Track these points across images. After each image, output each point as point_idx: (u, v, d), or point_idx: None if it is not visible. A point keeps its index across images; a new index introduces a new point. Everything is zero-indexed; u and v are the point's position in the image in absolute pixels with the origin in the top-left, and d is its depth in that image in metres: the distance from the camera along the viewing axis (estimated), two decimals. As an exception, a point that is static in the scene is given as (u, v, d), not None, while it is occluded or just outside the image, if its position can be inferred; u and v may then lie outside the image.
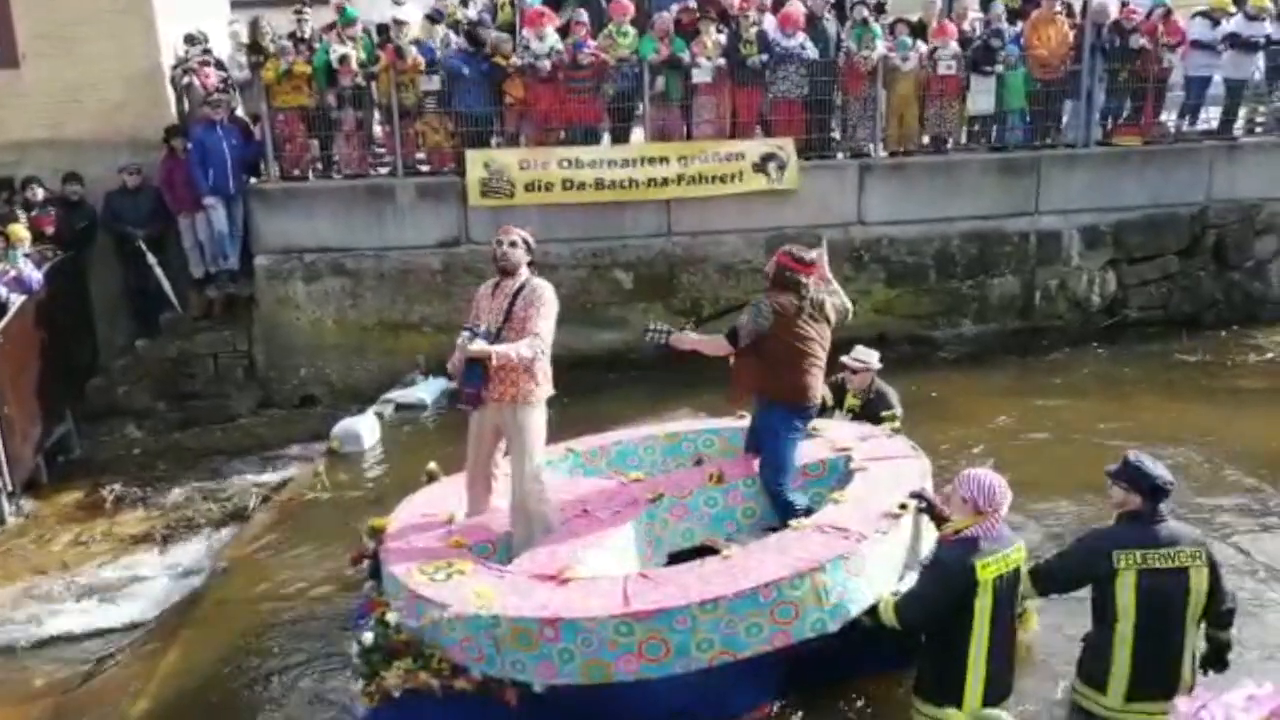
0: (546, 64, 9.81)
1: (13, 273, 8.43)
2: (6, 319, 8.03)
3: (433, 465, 6.00)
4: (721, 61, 10.15)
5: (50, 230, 9.27)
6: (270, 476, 8.43)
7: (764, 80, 10.27)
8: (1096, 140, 11.03)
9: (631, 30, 10.38)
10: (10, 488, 7.86)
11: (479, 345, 4.90)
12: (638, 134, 10.50)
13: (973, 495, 4.27)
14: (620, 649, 4.32)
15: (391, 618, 4.72)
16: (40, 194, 9.46)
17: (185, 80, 10.08)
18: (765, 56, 10.15)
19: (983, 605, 4.21)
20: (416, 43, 10.17)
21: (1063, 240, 10.87)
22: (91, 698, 5.71)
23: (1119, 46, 10.68)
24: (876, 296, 10.67)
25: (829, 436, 6.06)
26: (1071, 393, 9.25)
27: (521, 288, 5.15)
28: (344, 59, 9.77)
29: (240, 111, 10.26)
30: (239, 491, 8.11)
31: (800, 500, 5.47)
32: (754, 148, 10.25)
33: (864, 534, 4.74)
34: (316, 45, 10.11)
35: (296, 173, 10.08)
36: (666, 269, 10.36)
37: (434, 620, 4.54)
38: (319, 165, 10.21)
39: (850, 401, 6.73)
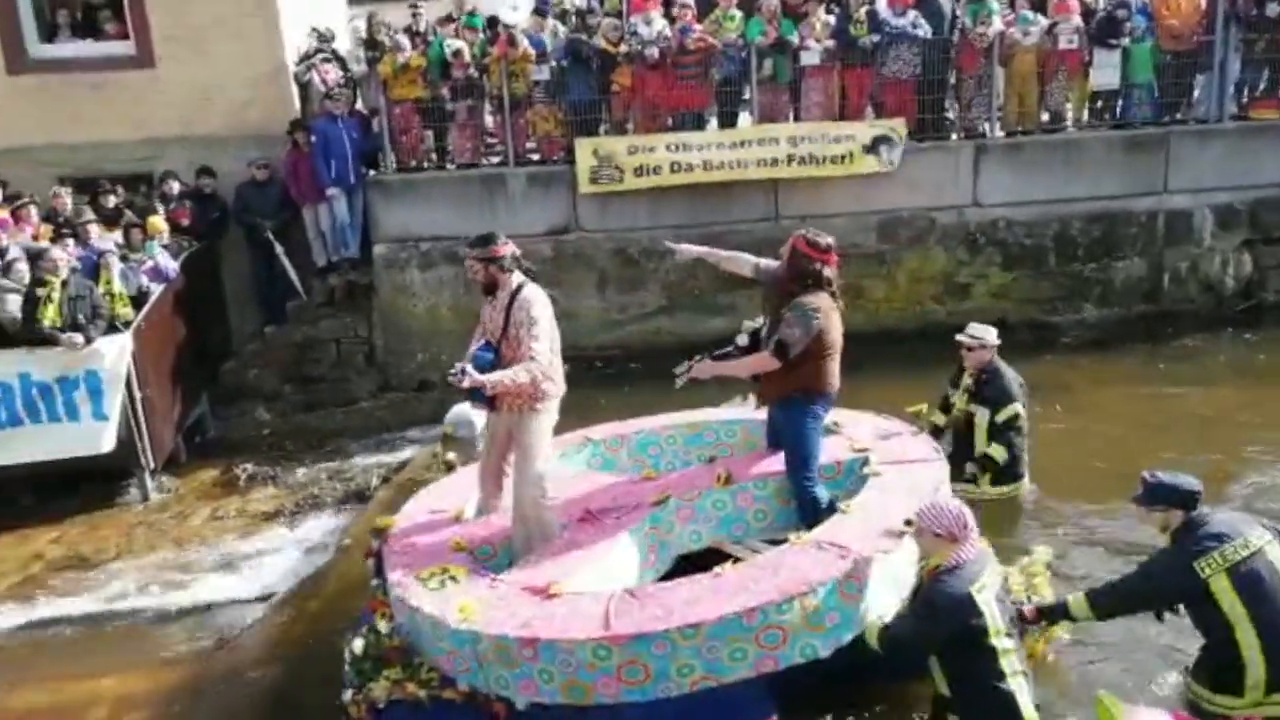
0: (654, 50, 9.83)
1: (150, 263, 8.92)
2: (147, 308, 8.49)
3: (451, 456, 6.03)
4: (830, 43, 10.01)
5: (185, 222, 9.75)
6: (389, 458, 8.73)
7: (874, 60, 10.09)
8: (1231, 114, 10.48)
9: (738, 13, 10.32)
10: (153, 465, 8.34)
11: (470, 378, 4.70)
12: (745, 118, 10.44)
13: (946, 527, 4.23)
14: (599, 671, 4.22)
15: (383, 626, 4.75)
16: (176, 188, 9.97)
17: (307, 77, 10.47)
18: (876, 37, 9.96)
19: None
20: (526, 34, 10.34)
21: (1194, 220, 10.37)
22: (225, 664, 6.02)
23: (1256, 15, 10.11)
24: (993, 280, 10.40)
25: (849, 434, 5.83)
26: (1203, 380, 8.85)
27: (513, 300, 5.00)
28: (457, 52, 10.00)
29: (359, 105, 10.61)
30: (360, 472, 8.42)
31: (824, 495, 5.29)
32: (864, 129, 10.08)
33: (863, 554, 4.47)
34: (431, 39, 10.37)
35: (413, 163, 10.37)
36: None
37: (421, 629, 4.56)
38: (433, 156, 10.50)
39: (966, 381, 6.57)
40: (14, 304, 7.96)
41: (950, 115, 10.58)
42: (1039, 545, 5.61)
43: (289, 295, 10.36)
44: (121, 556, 7.46)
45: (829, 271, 5.24)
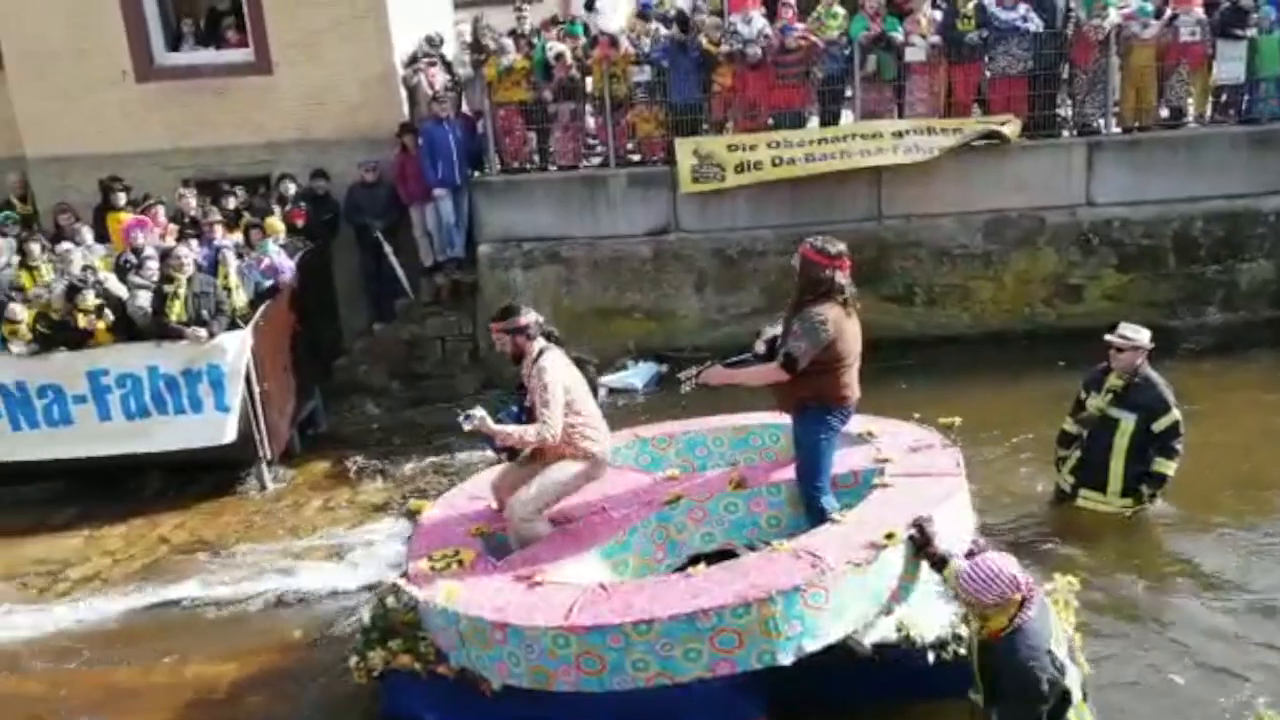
0: (756, 50, 9.80)
1: (266, 261, 9.27)
2: (265, 305, 8.83)
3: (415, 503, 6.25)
4: (936, 39, 9.82)
5: (300, 223, 10.11)
6: (493, 454, 8.88)
7: (982, 56, 9.86)
8: (1367, 108, 9.93)
9: (841, 11, 10.21)
10: (270, 457, 8.67)
11: (472, 423, 4.99)
12: (847, 117, 10.32)
13: (1002, 591, 3.88)
14: (559, 660, 4.42)
15: (390, 600, 5.08)
16: (293, 190, 10.33)
17: (415, 80, 10.73)
18: (984, 32, 9.73)
19: None
20: (625, 35, 10.42)
21: (1326, 220, 9.87)
22: (334, 651, 6.15)
23: (1398, 1, 9.56)
24: (1107, 282, 10.07)
25: (880, 444, 5.73)
26: (1335, 388, 8.41)
27: (534, 366, 5.20)
28: (560, 55, 10.13)
29: (465, 108, 10.84)
30: (465, 466, 8.59)
31: (832, 504, 5.24)
32: (971, 127, 9.86)
33: (835, 565, 4.47)
34: (535, 41, 10.53)
35: (516, 165, 10.55)
36: (877, 253, 10.15)
37: (424, 607, 4.87)
38: (535, 157, 10.66)
39: (1113, 382, 6.33)
40: (144, 299, 8.38)
41: (1062, 112, 10.26)
42: (1064, 575, 5.23)
43: (397, 294, 10.64)
44: (241, 543, 7.78)
45: (841, 278, 5.14)
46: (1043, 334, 9.94)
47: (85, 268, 8.60)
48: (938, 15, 9.93)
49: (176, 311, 8.25)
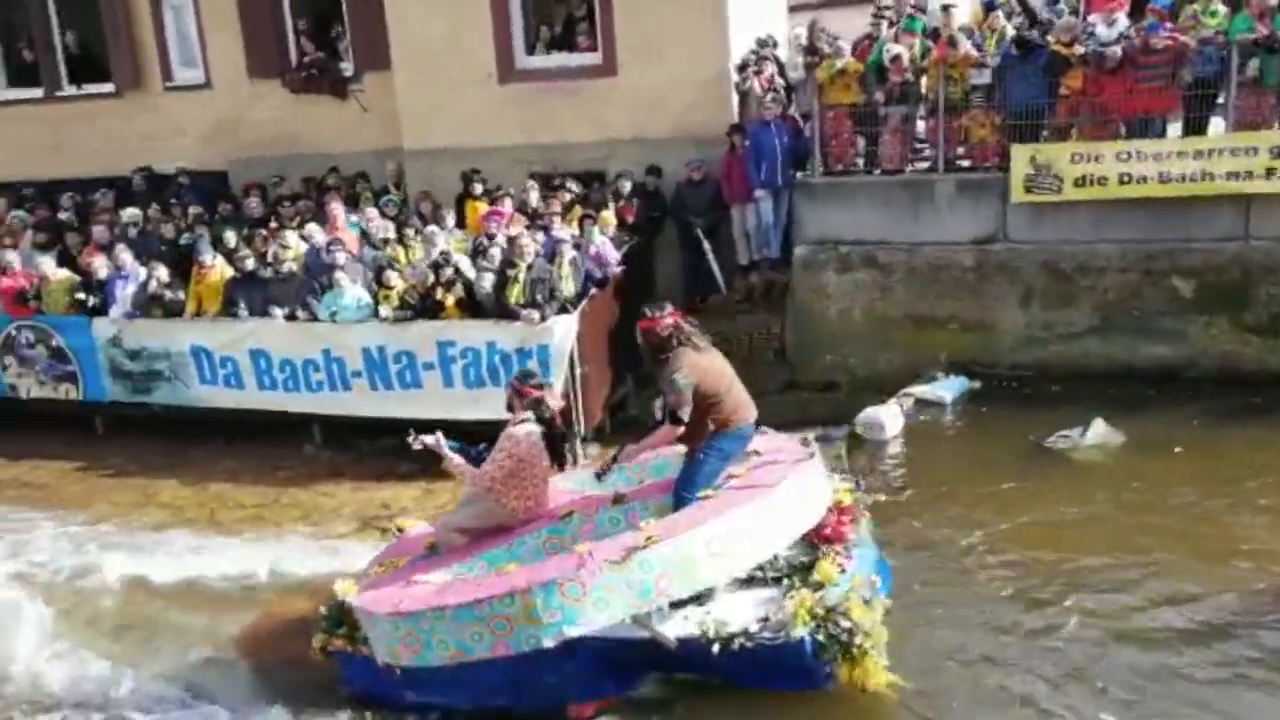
0: (1116, 51, 9.05)
1: (594, 250, 9.90)
2: (591, 293, 9.46)
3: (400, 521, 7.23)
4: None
5: (630, 219, 10.70)
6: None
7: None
8: None
9: (1222, 9, 9.19)
10: (584, 434, 9.29)
11: (424, 441, 6.15)
12: (1217, 124, 9.28)
13: None
14: (397, 640, 5.47)
15: (339, 590, 6.03)
16: (628, 186, 10.94)
17: (748, 84, 10.97)
18: (1404, 28, 8.38)
19: None
20: (968, 33, 10.02)
21: None
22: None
23: None
24: None
25: (749, 464, 5.94)
26: None
27: (506, 430, 6.10)
28: (896, 58, 9.94)
29: (793, 110, 10.93)
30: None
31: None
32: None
33: (592, 564, 5.13)
34: (876, 37, 10.41)
35: (840, 167, 10.49)
36: (1240, 277, 9.09)
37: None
38: (859, 160, 10.54)
39: None
40: (488, 281, 9.28)
41: None
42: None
43: (711, 289, 10.96)
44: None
45: (677, 328, 5.81)
46: None
47: (443, 252, 9.67)
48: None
49: (515, 294, 9.05)
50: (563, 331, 9.02)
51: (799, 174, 10.63)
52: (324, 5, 12.80)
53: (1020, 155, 9.51)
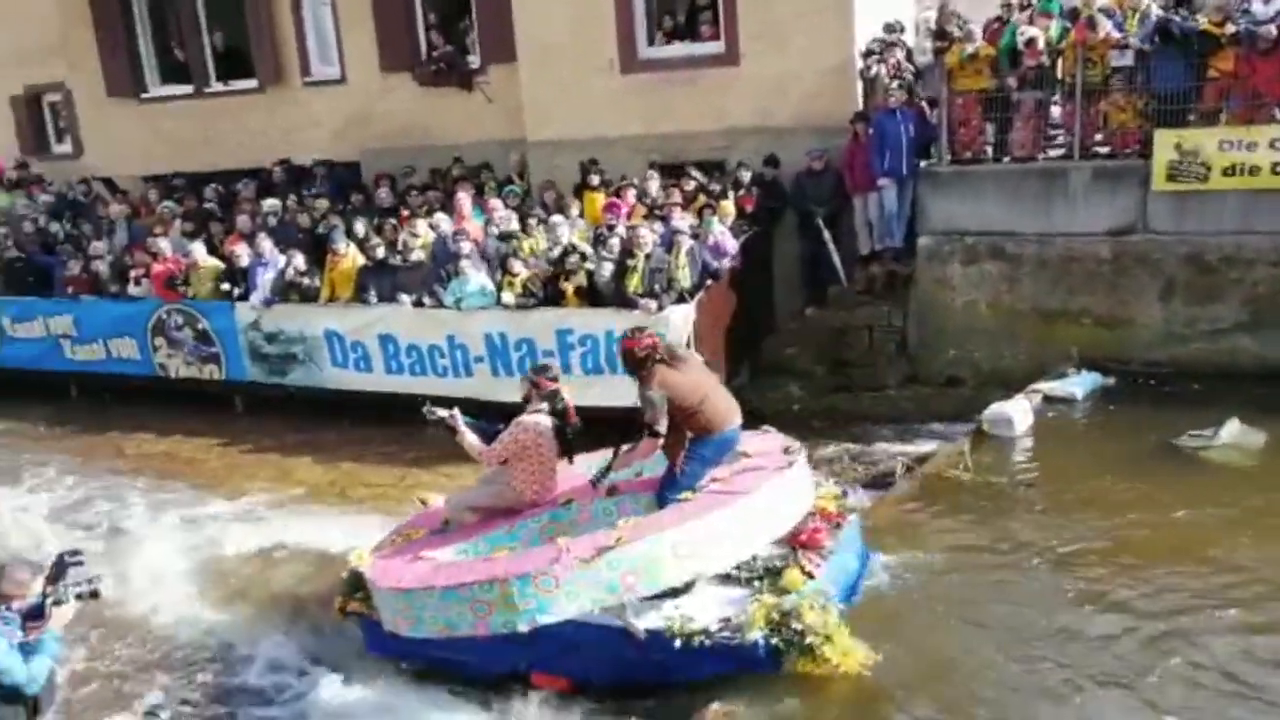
0: (1272, 30, 8.50)
1: (712, 239, 9.88)
2: (709, 283, 9.46)
3: (423, 495, 7.45)
4: None
5: (749, 209, 10.64)
6: (910, 448, 8.76)
7: None
8: None
9: (1404, -20, 8.52)
10: (698, 423, 9.29)
11: (438, 413, 6.41)
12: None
13: None
14: (398, 612, 5.93)
15: (354, 559, 6.47)
16: (748, 176, 10.88)
17: (873, 72, 10.74)
18: None
19: None
20: (1108, 13, 9.56)
21: None
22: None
23: None
24: None
25: (732, 467, 6.17)
26: None
27: (517, 419, 6.36)
28: (1030, 41, 9.57)
29: (919, 97, 10.64)
30: (882, 457, 8.58)
31: None
32: None
33: (566, 559, 5.49)
34: (1008, 21, 10.05)
35: (968, 155, 10.17)
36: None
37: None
38: (989, 148, 10.19)
39: None
40: (608, 271, 9.38)
41: None
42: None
43: (831, 280, 10.81)
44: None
45: (648, 349, 6.06)
46: None
47: (570, 243, 9.83)
48: None
49: (634, 283, 9.13)
50: (680, 320, 9.05)
51: (924, 162, 10.36)
52: (453, 0, 13.14)
53: (1164, 141, 9.04)
